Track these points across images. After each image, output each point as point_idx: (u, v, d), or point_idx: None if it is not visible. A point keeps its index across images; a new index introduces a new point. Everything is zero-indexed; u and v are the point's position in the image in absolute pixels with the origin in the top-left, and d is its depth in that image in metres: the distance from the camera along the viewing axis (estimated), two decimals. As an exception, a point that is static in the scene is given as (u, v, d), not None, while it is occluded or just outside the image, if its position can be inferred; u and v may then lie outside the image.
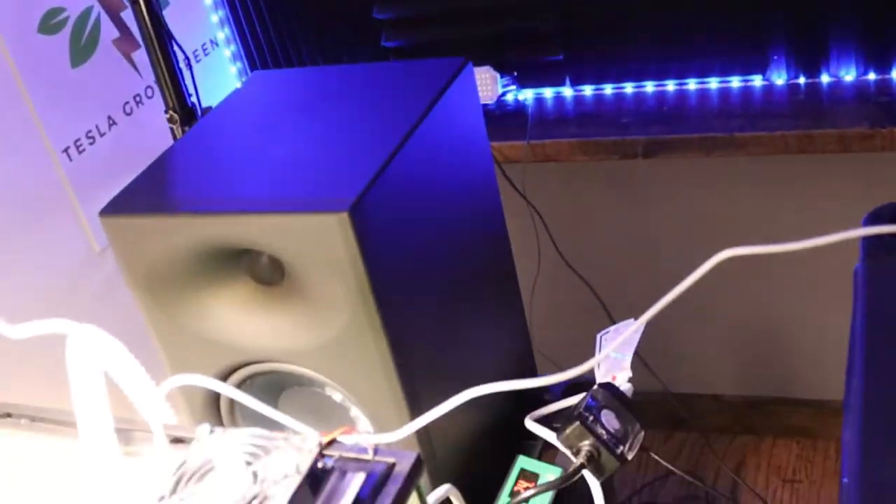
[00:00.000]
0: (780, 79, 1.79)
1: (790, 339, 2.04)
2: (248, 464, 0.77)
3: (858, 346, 0.72)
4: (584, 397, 1.21)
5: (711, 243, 1.93)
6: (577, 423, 1.16)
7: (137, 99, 1.89)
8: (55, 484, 0.90)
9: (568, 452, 1.17)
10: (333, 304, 1.03)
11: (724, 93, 1.83)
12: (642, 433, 1.22)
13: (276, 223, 0.98)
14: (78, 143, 1.76)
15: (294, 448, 0.77)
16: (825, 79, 1.77)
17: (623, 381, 1.35)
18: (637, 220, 1.96)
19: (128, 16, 1.77)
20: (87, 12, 1.74)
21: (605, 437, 1.16)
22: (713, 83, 1.84)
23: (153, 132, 1.90)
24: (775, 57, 1.78)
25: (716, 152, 1.72)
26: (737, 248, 0.75)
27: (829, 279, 1.91)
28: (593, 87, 1.91)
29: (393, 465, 0.81)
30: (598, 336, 1.43)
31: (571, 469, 1.13)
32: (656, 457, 1.72)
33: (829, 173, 1.81)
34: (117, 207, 1.07)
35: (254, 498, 0.74)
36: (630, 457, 1.18)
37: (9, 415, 0.99)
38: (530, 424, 1.30)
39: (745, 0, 1.75)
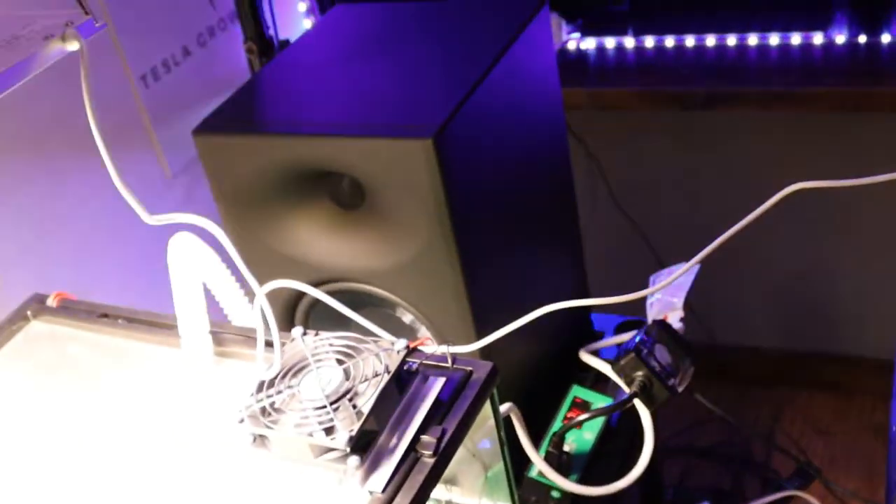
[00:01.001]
0: (840, 37, 1.82)
1: (831, 295, 2.08)
2: (340, 362, 0.83)
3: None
4: (639, 332, 1.27)
5: (765, 196, 1.97)
6: (633, 353, 1.21)
7: (211, 31, 1.95)
8: (153, 379, 0.97)
9: (621, 382, 1.23)
10: (411, 228, 1.08)
11: (784, 49, 1.86)
12: (692, 369, 1.28)
13: (363, 147, 1.04)
14: (154, 71, 1.82)
15: (383, 351, 0.83)
16: (885, 39, 1.79)
17: (675, 321, 1.40)
18: (692, 171, 2.00)
19: (207, -52, 1.83)
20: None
21: (657, 369, 1.22)
22: (774, 39, 1.87)
23: (225, 63, 1.96)
24: (838, 15, 1.81)
25: (774, 106, 1.76)
26: (805, 182, 0.80)
27: (873, 240, 1.94)
28: (655, 38, 1.94)
29: (470, 373, 0.87)
30: (651, 277, 1.48)
31: (625, 397, 1.19)
32: (699, 397, 1.78)
33: (886, 133, 1.84)
34: (210, 126, 1.13)
35: (346, 393, 0.80)
36: (680, 389, 1.24)
37: (105, 315, 1.06)
38: (585, 356, 1.37)
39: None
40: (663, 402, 1.23)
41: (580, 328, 1.47)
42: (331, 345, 0.85)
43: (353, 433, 0.77)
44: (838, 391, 2.12)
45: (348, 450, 0.77)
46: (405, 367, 0.84)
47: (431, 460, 0.80)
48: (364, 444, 0.79)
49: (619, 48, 1.97)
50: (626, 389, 1.21)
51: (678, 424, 2.04)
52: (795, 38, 1.86)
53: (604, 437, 1.28)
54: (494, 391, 0.89)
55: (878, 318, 2.04)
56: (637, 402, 1.22)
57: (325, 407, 0.79)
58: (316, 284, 1.18)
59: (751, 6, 1.89)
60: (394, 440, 0.81)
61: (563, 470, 1.21)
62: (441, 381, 0.85)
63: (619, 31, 1.96)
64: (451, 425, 0.82)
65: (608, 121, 1.95)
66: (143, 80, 1.80)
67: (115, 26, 1.72)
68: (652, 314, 1.44)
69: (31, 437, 0.93)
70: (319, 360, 0.84)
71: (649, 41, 1.95)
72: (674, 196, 2.05)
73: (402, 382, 0.84)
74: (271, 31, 1.60)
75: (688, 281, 1.44)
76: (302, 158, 1.09)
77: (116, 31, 1.73)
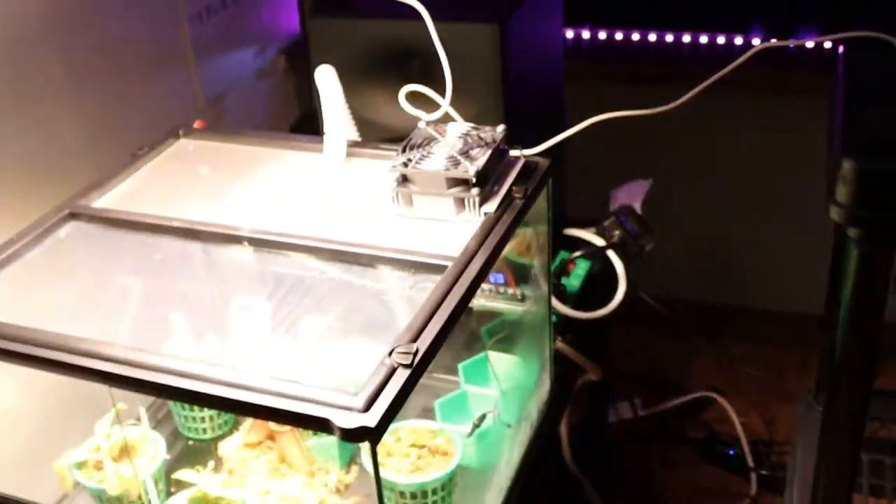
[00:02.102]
0: (756, 39, 2.31)
1: (745, 253, 2.52)
2: (460, 137, 1.21)
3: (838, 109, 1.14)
4: (615, 210, 1.68)
5: (697, 152, 2.45)
6: (613, 217, 1.62)
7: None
8: (302, 165, 1.32)
9: (602, 241, 1.63)
10: (469, 97, 1.47)
11: (711, 46, 2.34)
12: (653, 242, 1.69)
13: (448, 28, 1.43)
14: (201, 13, 2.17)
15: (488, 134, 1.22)
16: (792, 43, 2.28)
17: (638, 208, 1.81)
18: (637, 136, 2.43)
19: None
20: None
21: (631, 231, 1.63)
22: (703, 38, 2.34)
23: (252, 19, 2.33)
24: (755, 23, 2.30)
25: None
26: (768, 42, 1.22)
27: (785, 204, 2.41)
28: (607, 31, 2.40)
29: (537, 164, 1.26)
30: (611, 192, 1.89)
31: (608, 243, 1.60)
32: (643, 295, 2.17)
33: (786, 108, 2.30)
34: (321, 13, 1.51)
35: (466, 151, 1.18)
36: (647, 249, 1.65)
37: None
38: (569, 231, 1.76)
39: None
40: (635, 256, 1.63)
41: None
42: (451, 127, 1.23)
43: (479, 168, 1.15)
44: (752, 341, 2.52)
45: (474, 179, 1.15)
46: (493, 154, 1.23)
47: (521, 201, 1.18)
48: (481, 183, 1.16)
49: (577, 37, 2.41)
50: (611, 254, 1.62)
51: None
52: (720, 39, 2.34)
53: (586, 285, 1.67)
54: (550, 180, 1.28)
55: (786, 273, 2.49)
56: (613, 255, 1.62)
57: (453, 157, 1.17)
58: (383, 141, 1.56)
59: (685, 12, 2.35)
60: (496, 187, 1.19)
61: (561, 298, 1.59)
62: (522, 160, 1.24)
63: (578, 24, 2.41)
64: (531, 185, 1.21)
65: (570, 92, 2.37)
66: (191, 20, 2.15)
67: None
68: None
69: (211, 209, 1.25)
70: (443, 137, 1.22)
71: (602, 34, 2.40)
72: (624, 154, 2.46)
73: (500, 154, 1.22)
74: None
75: (642, 191, 1.85)
76: (395, 39, 1.47)
77: (178, -26, 2.08)
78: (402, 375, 0.90)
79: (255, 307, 1.13)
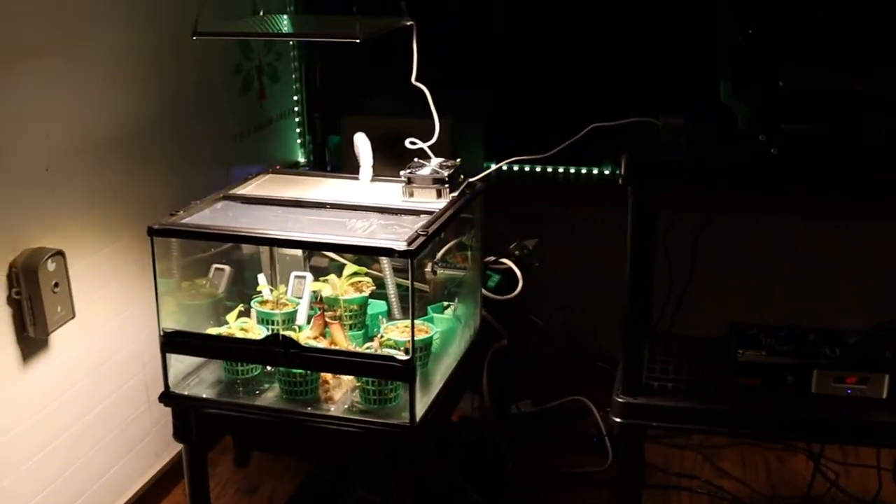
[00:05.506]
0: (606, 169, 3.49)
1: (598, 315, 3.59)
2: (436, 164, 2.29)
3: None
4: (516, 244, 2.76)
5: (565, 234, 3.63)
6: (515, 244, 2.70)
7: (259, 126, 3.42)
8: (348, 185, 2.38)
9: (508, 261, 2.70)
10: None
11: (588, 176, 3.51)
12: (538, 262, 2.76)
13: (423, 121, 2.52)
14: (236, 134, 3.26)
15: (450, 163, 2.30)
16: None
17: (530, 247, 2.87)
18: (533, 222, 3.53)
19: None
20: (251, 70, 3.30)
21: (525, 253, 2.70)
22: (583, 169, 3.52)
23: (266, 145, 3.42)
24: (606, 159, 3.49)
25: (575, 201, 3.37)
26: (598, 122, 2.35)
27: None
28: (507, 164, 3.55)
29: (476, 182, 2.34)
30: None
31: (512, 259, 2.66)
32: (534, 317, 3.19)
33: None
34: (353, 112, 2.59)
35: (439, 168, 2.25)
36: (536, 265, 2.72)
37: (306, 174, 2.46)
38: (488, 258, 2.81)
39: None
40: (528, 268, 2.69)
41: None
42: (434, 163, 2.31)
43: (448, 174, 2.22)
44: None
45: (447, 179, 2.21)
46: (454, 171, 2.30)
47: (469, 194, 2.25)
48: (450, 182, 2.23)
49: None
50: (511, 263, 2.68)
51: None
52: (594, 169, 3.51)
53: (500, 284, 2.70)
54: (482, 193, 2.34)
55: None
56: (511, 263, 2.67)
57: (434, 170, 2.24)
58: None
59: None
60: (456, 188, 2.25)
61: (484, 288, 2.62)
62: (468, 180, 2.31)
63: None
64: (475, 190, 2.28)
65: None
66: (234, 137, 3.23)
67: (227, 110, 3.17)
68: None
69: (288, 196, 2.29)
70: (428, 164, 2.29)
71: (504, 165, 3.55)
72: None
73: (458, 174, 2.29)
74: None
75: (535, 240, 2.93)
76: (392, 128, 2.55)
77: (226, 116, 3.17)
78: (421, 238, 1.95)
79: (341, 225, 2.15)
